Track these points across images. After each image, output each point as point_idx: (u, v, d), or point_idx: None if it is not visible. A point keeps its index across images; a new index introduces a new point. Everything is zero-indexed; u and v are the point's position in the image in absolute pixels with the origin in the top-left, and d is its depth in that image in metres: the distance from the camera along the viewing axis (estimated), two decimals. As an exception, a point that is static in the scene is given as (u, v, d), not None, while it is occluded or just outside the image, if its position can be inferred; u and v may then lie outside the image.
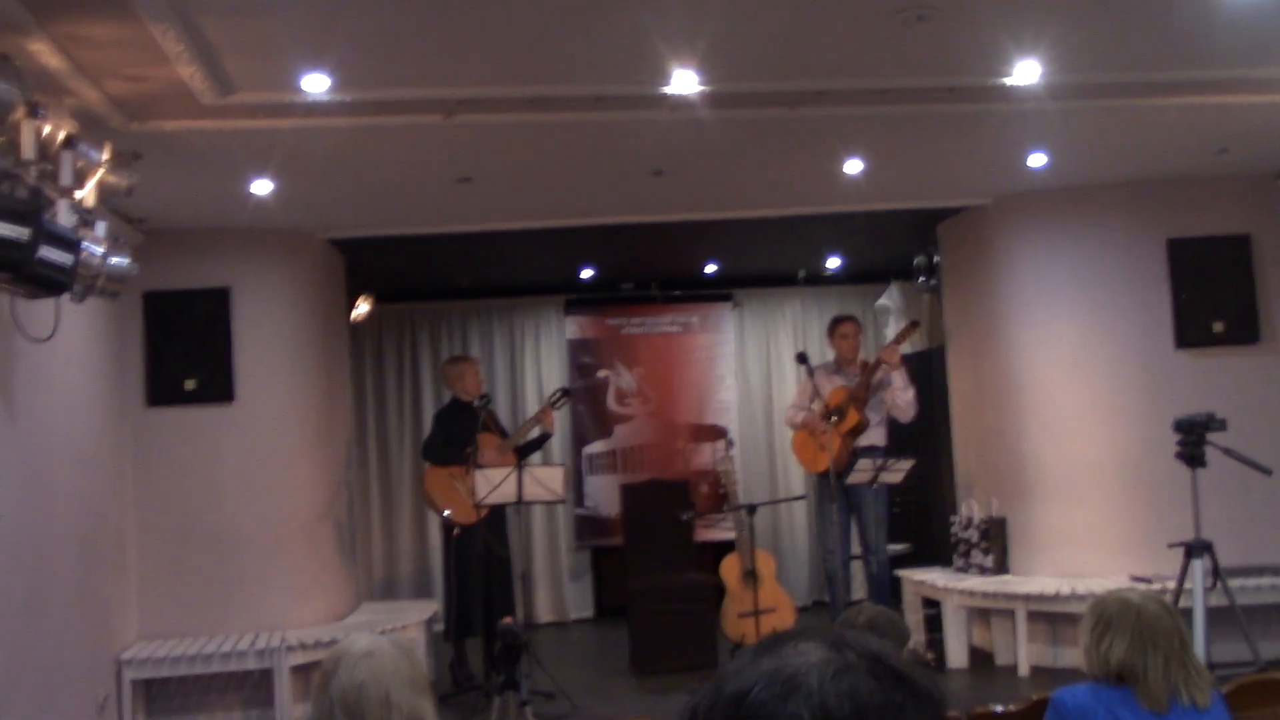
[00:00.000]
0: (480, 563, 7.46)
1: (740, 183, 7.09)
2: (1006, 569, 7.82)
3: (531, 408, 10.08)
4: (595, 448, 10.43)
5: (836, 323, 8.26)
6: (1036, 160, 6.84)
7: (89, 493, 6.28)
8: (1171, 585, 5.85)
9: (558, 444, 10.32)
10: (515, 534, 8.38)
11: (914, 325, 8.24)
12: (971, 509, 8.06)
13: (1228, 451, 5.60)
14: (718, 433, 10.45)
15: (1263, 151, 6.95)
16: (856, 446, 7.69)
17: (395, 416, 10.36)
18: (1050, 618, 7.34)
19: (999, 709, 3.63)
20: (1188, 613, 5.25)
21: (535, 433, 8.01)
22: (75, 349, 6.09)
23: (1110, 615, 3.06)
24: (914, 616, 7.95)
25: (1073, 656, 7.25)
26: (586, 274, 10.17)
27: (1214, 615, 5.62)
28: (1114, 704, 3.00)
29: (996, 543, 7.81)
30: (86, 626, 6.15)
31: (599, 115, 5.36)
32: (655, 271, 10.37)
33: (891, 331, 10.10)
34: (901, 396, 7.72)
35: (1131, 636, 2.99)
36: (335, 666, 2.39)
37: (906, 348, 8.27)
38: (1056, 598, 7.11)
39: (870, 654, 1.03)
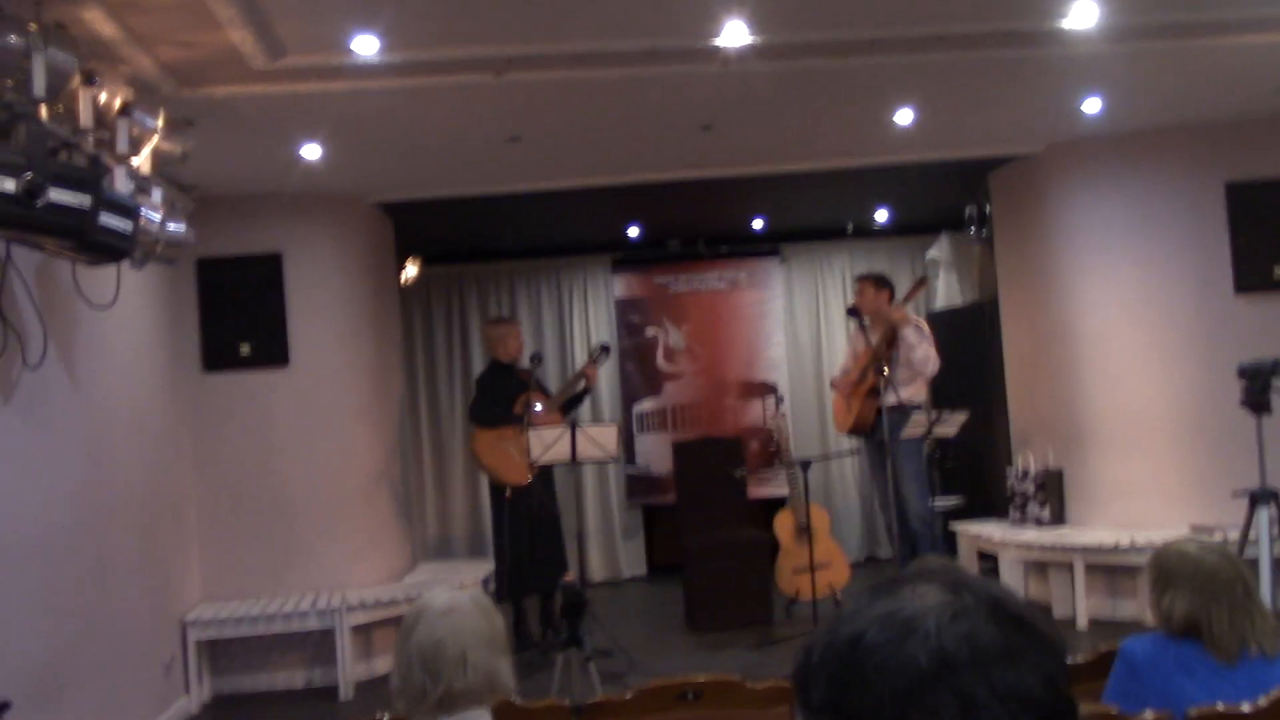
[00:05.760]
0: (532, 522, 7.51)
1: (789, 136, 7.02)
2: (1064, 521, 7.77)
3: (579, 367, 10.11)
4: (645, 406, 10.43)
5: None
6: (1091, 106, 6.72)
7: (150, 458, 6.37)
8: (1235, 535, 5.77)
9: (608, 402, 10.35)
10: (568, 493, 8.44)
11: (921, 283, 8.37)
12: (1027, 460, 8.00)
13: (1294, 397, 5.50)
14: (767, 389, 10.43)
15: (1325, 91, 6.79)
16: (883, 405, 7.64)
17: (445, 377, 10.42)
18: (1109, 570, 7.29)
19: (1068, 660, 3.59)
20: (1254, 563, 5.18)
21: (579, 387, 8.03)
22: (133, 316, 6.16)
23: (1170, 569, 3.02)
24: (970, 570, 7.91)
25: (1132, 608, 7.21)
26: (633, 232, 10.13)
27: (1280, 564, 5.54)
28: (1183, 655, 2.96)
29: (1053, 494, 7.75)
30: (151, 589, 6.26)
31: (649, 70, 5.31)
32: (702, 228, 10.33)
33: (941, 285, 10.04)
34: (912, 354, 7.68)
35: (1193, 590, 2.95)
36: (415, 622, 2.41)
37: (913, 307, 8.19)
38: (1115, 549, 7.05)
39: (990, 597, 1.01)
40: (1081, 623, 7.21)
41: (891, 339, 7.79)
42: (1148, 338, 7.48)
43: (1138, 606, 7.09)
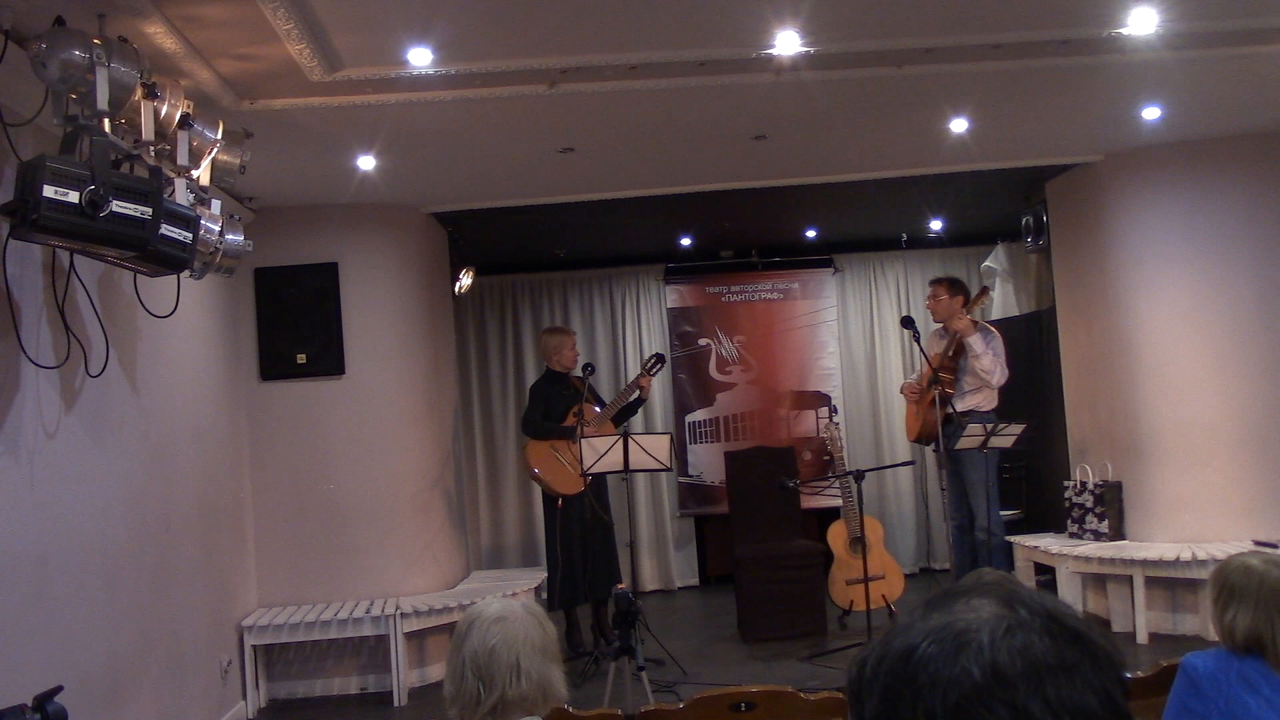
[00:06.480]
0: (584, 531, 7.54)
1: (843, 145, 6.99)
2: (1123, 534, 7.65)
3: (633, 377, 10.13)
4: (698, 416, 10.42)
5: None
6: (1150, 114, 6.63)
7: (208, 466, 6.46)
8: (1299, 549, 5.68)
9: (660, 413, 10.35)
10: (620, 503, 8.44)
11: (984, 291, 8.26)
12: (1086, 473, 7.89)
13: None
14: (820, 399, 10.38)
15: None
16: (950, 413, 7.56)
17: (498, 386, 10.48)
18: (1169, 584, 7.16)
19: (1126, 675, 3.53)
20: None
21: (633, 396, 8.04)
22: (192, 325, 6.25)
23: (1233, 584, 2.98)
24: (1026, 583, 7.80)
25: (1193, 623, 7.08)
26: (685, 242, 10.14)
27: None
28: (1246, 670, 2.92)
29: (1112, 508, 7.64)
30: (209, 595, 6.34)
31: (701, 80, 5.31)
32: (755, 238, 10.31)
33: (998, 294, 9.94)
34: (977, 363, 7.60)
35: (1257, 605, 2.91)
36: (468, 629, 2.43)
37: (978, 313, 8.10)
38: (1176, 563, 6.93)
39: (1045, 611, 1.00)
40: (1141, 637, 7.10)
41: (959, 347, 7.72)
42: (1209, 349, 7.35)
43: (1199, 621, 6.97)
